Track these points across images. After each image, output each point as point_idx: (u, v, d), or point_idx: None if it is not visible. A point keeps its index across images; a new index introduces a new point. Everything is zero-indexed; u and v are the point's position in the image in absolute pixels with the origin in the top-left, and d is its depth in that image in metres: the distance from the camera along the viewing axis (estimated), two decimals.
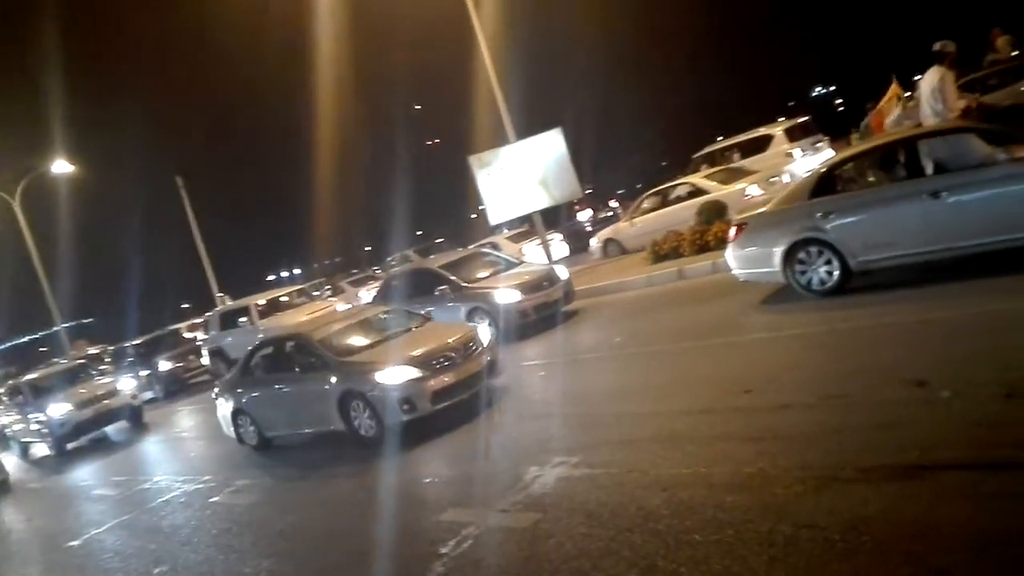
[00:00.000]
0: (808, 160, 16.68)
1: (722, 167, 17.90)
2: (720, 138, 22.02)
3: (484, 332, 9.16)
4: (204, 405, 15.36)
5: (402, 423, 8.11)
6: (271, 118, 56.61)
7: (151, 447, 14.24)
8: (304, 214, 52.16)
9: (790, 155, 17.69)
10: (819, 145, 18.14)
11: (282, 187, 56.48)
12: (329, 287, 31.21)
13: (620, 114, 45.94)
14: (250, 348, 10.67)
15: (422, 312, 10.69)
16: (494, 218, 18.45)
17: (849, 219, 7.75)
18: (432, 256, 21.77)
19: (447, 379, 8.22)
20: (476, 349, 8.70)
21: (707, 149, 20.41)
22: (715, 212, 14.93)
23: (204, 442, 13.08)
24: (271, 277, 68.73)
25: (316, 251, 63.97)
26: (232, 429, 10.45)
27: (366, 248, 60.95)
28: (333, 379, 8.66)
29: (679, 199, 16.70)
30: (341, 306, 18.55)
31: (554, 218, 23.13)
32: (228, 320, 19.30)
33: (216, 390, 11.01)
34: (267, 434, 10.01)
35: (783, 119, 21.31)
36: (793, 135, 18.33)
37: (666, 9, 44.47)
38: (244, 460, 10.13)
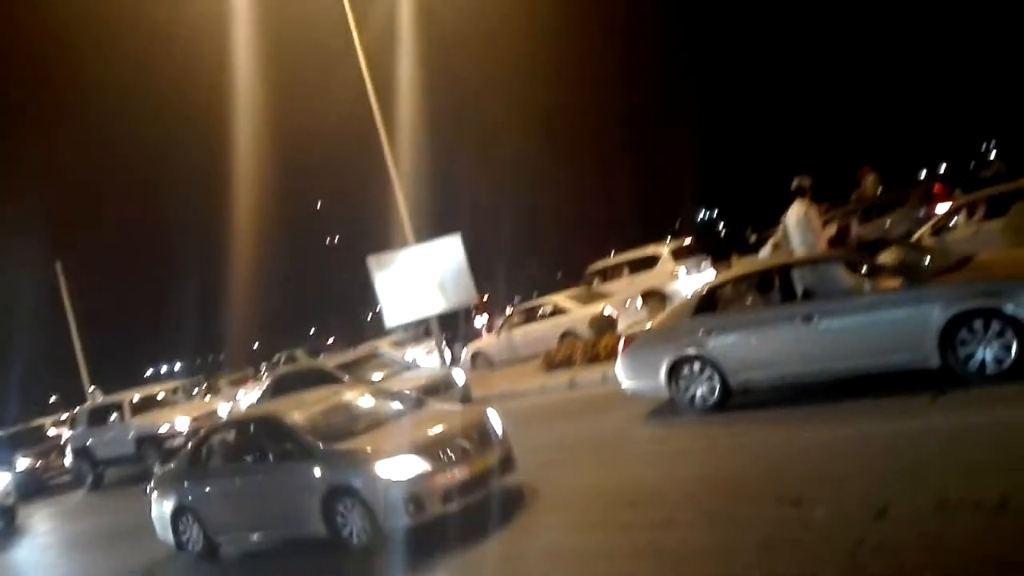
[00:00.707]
0: (692, 279, 17.57)
1: (583, 289, 19.10)
2: (613, 253, 22.93)
3: (494, 417, 7.71)
4: (64, 508, 14.09)
5: (406, 527, 6.74)
6: (166, 208, 55.15)
7: (29, 556, 12.83)
8: (192, 308, 50.37)
9: (675, 274, 18.59)
10: (702, 266, 19.10)
11: (170, 279, 54.56)
12: (206, 385, 29.85)
13: (520, 223, 47.25)
14: (203, 431, 9.22)
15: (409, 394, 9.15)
16: (390, 320, 18.35)
17: (729, 338, 8.12)
18: (324, 356, 21.36)
19: (459, 474, 6.87)
20: (490, 438, 7.39)
21: (600, 264, 21.16)
22: (606, 324, 15.47)
23: (101, 551, 10.99)
24: (149, 372, 65.27)
25: (201, 346, 61.48)
26: (170, 532, 8.63)
27: (255, 345, 59.10)
28: (317, 471, 7.20)
29: (543, 316, 17.68)
30: (223, 405, 17.74)
31: (454, 323, 23.21)
32: (98, 416, 18.05)
33: (151, 483, 9.31)
34: (217, 539, 8.34)
35: (670, 239, 22.46)
36: (679, 255, 19.27)
37: (568, 127, 46.70)
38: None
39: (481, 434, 7.30)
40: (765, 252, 10.59)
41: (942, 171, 36.74)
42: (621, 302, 16.93)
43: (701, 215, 62.67)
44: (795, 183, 9.28)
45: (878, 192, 18.10)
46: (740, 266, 12.65)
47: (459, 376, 13.13)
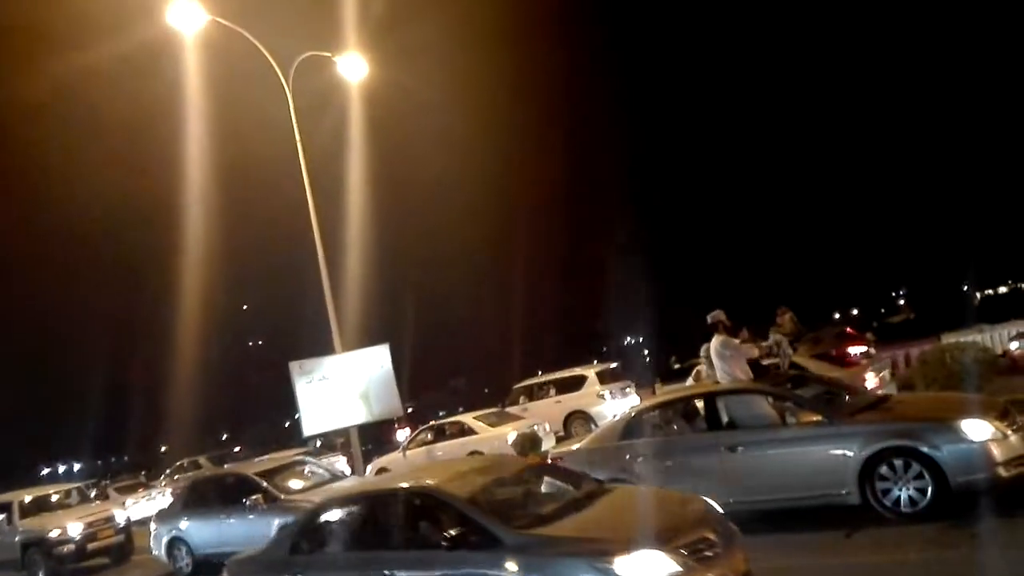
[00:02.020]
0: (616, 403, 17.67)
1: (493, 410, 19.17)
2: (540, 372, 23.00)
3: (714, 505, 6.11)
4: None
5: None
6: (83, 301, 53.23)
7: None
8: (98, 406, 47.84)
9: (601, 396, 18.68)
10: (627, 390, 19.26)
11: (78, 375, 51.97)
12: (95, 490, 27.83)
13: (452, 339, 47.21)
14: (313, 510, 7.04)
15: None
16: (308, 429, 17.76)
17: (654, 463, 8.07)
18: (230, 464, 20.43)
19: None
20: (734, 535, 5.71)
21: (527, 381, 21.15)
22: (531, 443, 15.27)
23: None
24: (45, 471, 60.93)
25: (106, 447, 58.05)
26: None
27: (162, 449, 56.16)
28: (511, 567, 5.33)
29: (452, 436, 17.56)
30: (119, 513, 16.56)
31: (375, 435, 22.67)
32: None
33: None
34: None
35: (596, 362, 22.70)
36: (604, 378, 19.43)
37: (506, 253, 47.67)
38: None
39: (724, 528, 5.65)
40: (691, 380, 10.78)
41: (854, 314, 38.57)
42: (527, 426, 16.83)
43: (626, 341, 63.77)
44: (709, 318, 9.58)
45: (794, 330, 18.77)
46: (665, 392, 12.80)
47: None
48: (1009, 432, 6.82)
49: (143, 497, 24.34)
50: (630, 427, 8.54)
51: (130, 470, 42.03)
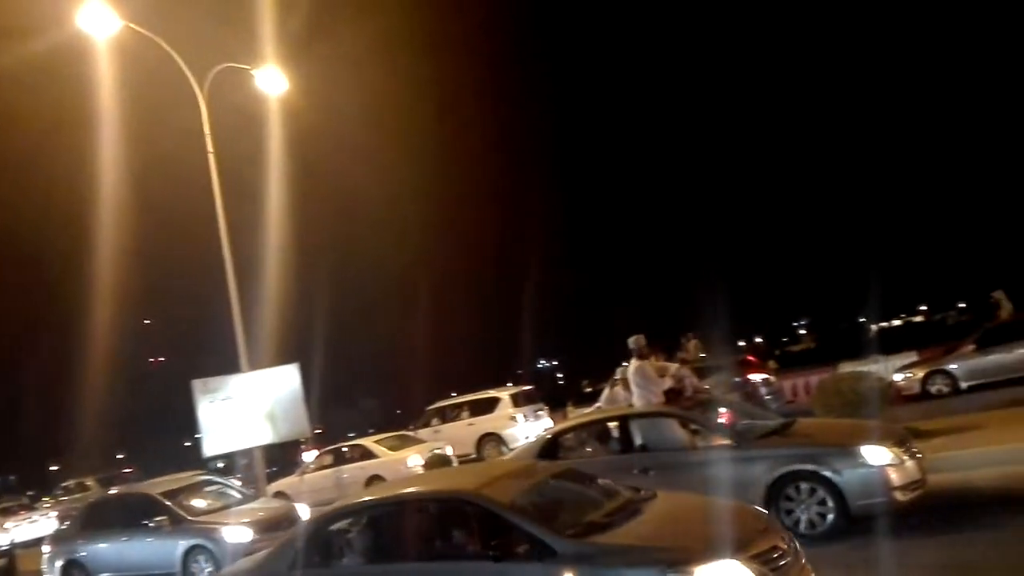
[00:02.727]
0: (528, 425, 17.72)
1: (395, 434, 19.17)
2: (454, 394, 22.85)
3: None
4: None
5: None
6: None
7: None
8: None
9: (514, 419, 18.72)
10: (540, 413, 19.34)
11: None
12: None
13: (361, 357, 46.42)
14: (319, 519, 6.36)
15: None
16: (210, 449, 17.04)
17: None
18: (149, 481, 19.42)
19: None
20: (794, 541, 5.37)
21: (440, 403, 20.97)
22: (440, 465, 15.16)
23: None
24: None
25: None
26: None
27: (52, 468, 52.99)
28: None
29: (352, 459, 17.48)
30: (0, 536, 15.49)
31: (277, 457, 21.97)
32: None
33: None
34: None
35: (511, 384, 22.74)
36: (518, 401, 19.47)
37: (423, 273, 47.41)
38: None
39: (788, 537, 5.36)
40: (603, 401, 10.88)
41: (758, 341, 39.86)
42: (428, 450, 16.99)
43: (540, 364, 64.23)
44: (631, 343, 9.71)
45: (700, 356, 19.27)
46: (579, 415, 12.88)
47: (304, 512, 12.24)
48: (906, 458, 7.13)
49: (25, 519, 22.99)
50: (545, 449, 8.53)
51: (13, 491, 39.51)
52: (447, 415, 19.98)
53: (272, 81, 17.22)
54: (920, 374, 14.95)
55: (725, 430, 7.93)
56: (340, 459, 17.84)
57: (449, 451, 16.89)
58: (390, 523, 5.91)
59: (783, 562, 4.90)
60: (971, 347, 14.33)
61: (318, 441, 24.97)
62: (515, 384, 22.78)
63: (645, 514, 5.43)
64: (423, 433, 19.58)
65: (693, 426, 8.11)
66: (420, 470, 15.68)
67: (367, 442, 18.03)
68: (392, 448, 17.35)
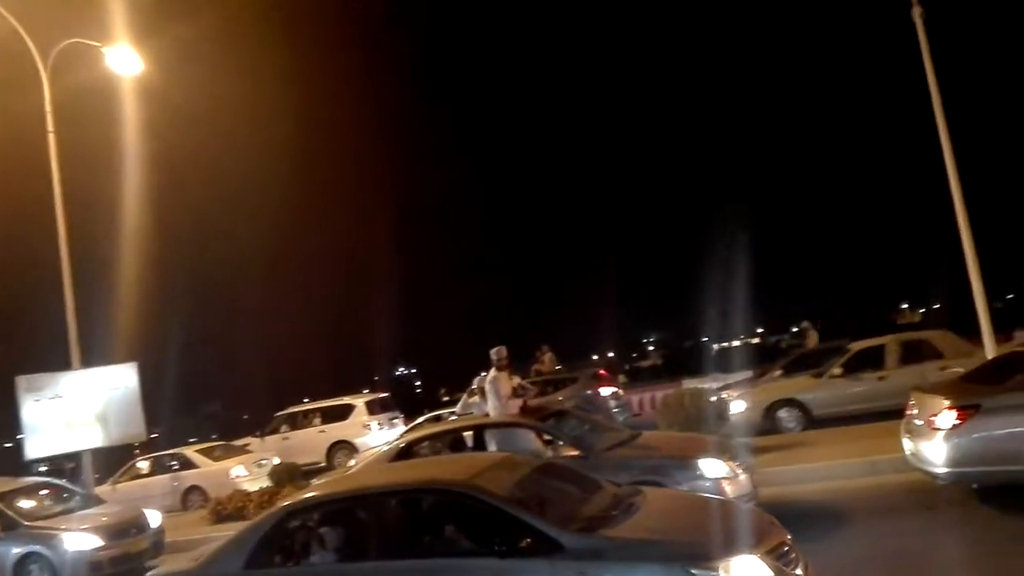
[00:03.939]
0: (383, 433, 17.52)
1: (219, 444, 18.84)
2: (306, 400, 22.24)
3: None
4: None
5: None
6: None
7: None
8: None
9: (368, 427, 18.47)
10: (395, 421, 19.17)
11: None
12: None
13: (210, 358, 44.28)
14: (285, 507, 5.73)
15: None
16: (33, 451, 15.73)
17: None
18: None
19: None
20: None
21: (290, 409, 20.35)
22: (287, 475, 14.73)
23: None
24: None
25: None
26: None
27: None
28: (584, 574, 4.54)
29: (171, 468, 16.98)
30: None
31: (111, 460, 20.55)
32: None
33: None
34: None
35: (367, 391, 22.40)
36: (373, 408, 19.21)
37: (280, 275, 45.82)
38: None
39: (790, 535, 5.13)
40: (459, 409, 10.94)
41: (610, 356, 41.33)
42: (253, 460, 16.70)
43: (398, 371, 63.68)
44: (493, 353, 9.81)
45: (554, 369, 19.75)
46: (435, 424, 12.88)
47: (154, 518, 11.54)
48: (739, 471, 7.58)
49: None
50: (400, 457, 8.46)
51: None
52: (297, 421, 19.45)
53: (125, 61, 16.18)
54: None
55: (576, 441, 8.15)
56: (160, 468, 17.15)
57: (275, 460, 16.48)
58: (368, 516, 5.31)
59: (792, 556, 4.83)
60: (778, 372, 15.37)
61: (149, 447, 23.68)
62: (371, 391, 22.45)
63: (644, 509, 5.19)
64: (271, 440, 18.99)
65: (546, 437, 8.30)
66: (244, 482, 15.28)
67: (188, 451, 17.48)
68: (215, 457, 16.89)
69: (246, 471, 16.00)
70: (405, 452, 8.55)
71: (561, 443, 8.13)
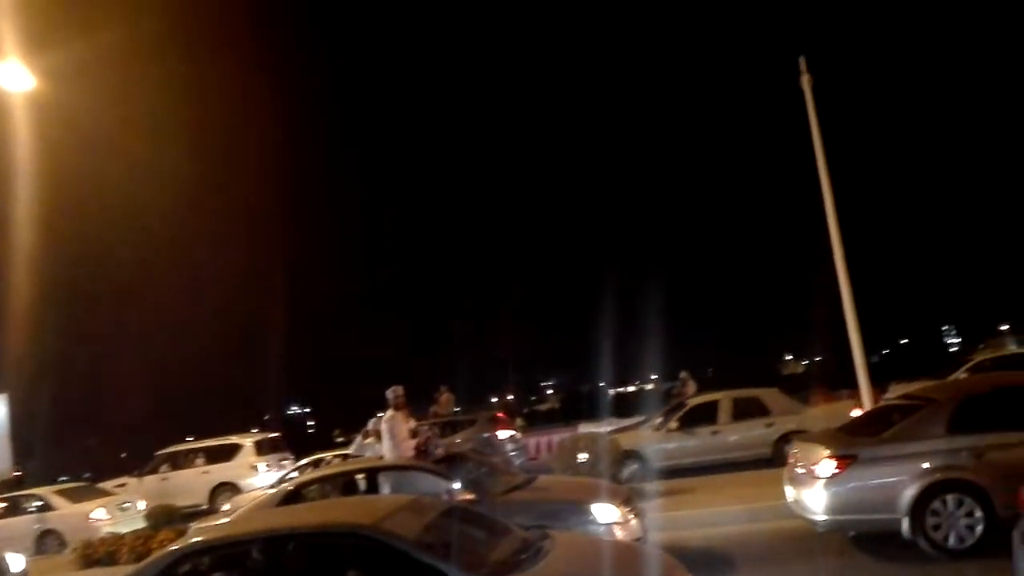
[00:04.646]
0: (272, 475, 16.92)
1: (81, 484, 18.37)
2: (189, 438, 21.26)
3: None
4: None
5: None
6: None
7: None
8: None
9: (255, 468, 17.82)
10: (284, 462, 18.54)
11: None
12: None
13: (84, 390, 41.78)
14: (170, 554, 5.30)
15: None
16: None
17: None
18: None
19: None
20: None
21: (172, 448, 19.38)
22: (165, 517, 14.05)
23: None
24: None
25: None
26: None
27: None
28: None
29: (26, 510, 16.01)
30: None
31: None
32: None
33: None
34: None
35: (256, 431, 21.64)
36: (262, 448, 18.55)
37: (159, 293, 43.90)
38: None
39: None
40: (353, 450, 10.70)
41: (509, 399, 41.42)
42: (116, 503, 16.02)
43: (290, 410, 61.75)
44: (389, 394, 9.67)
45: (452, 410, 19.63)
46: (320, 467, 12.53)
47: (16, 561, 10.71)
48: (631, 516, 7.67)
49: None
50: (287, 502, 8.15)
51: None
52: (179, 461, 18.56)
53: (14, 77, 15.33)
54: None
55: (471, 485, 8.06)
56: (16, 509, 16.01)
57: (139, 505, 15.72)
58: (266, 561, 4.98)
59: None
60: (659, 420, 15.64)
61: (18, 484, 22.09)
62: (261, 430, 21.68)
63: (552, 553, 5.19)
64: (150, 480, 18.04)
65: (441, 480, 8.17)
66: (104, 526, 14.62)
67: (45, 491, 16.40)
68: (74, 499, 15.93)
69: (107, 514, 15.21)
70: (294, 495, 8.26)
71: (457, 486, 8.03)
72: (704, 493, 11.28)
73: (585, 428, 18.13)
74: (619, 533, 7.34)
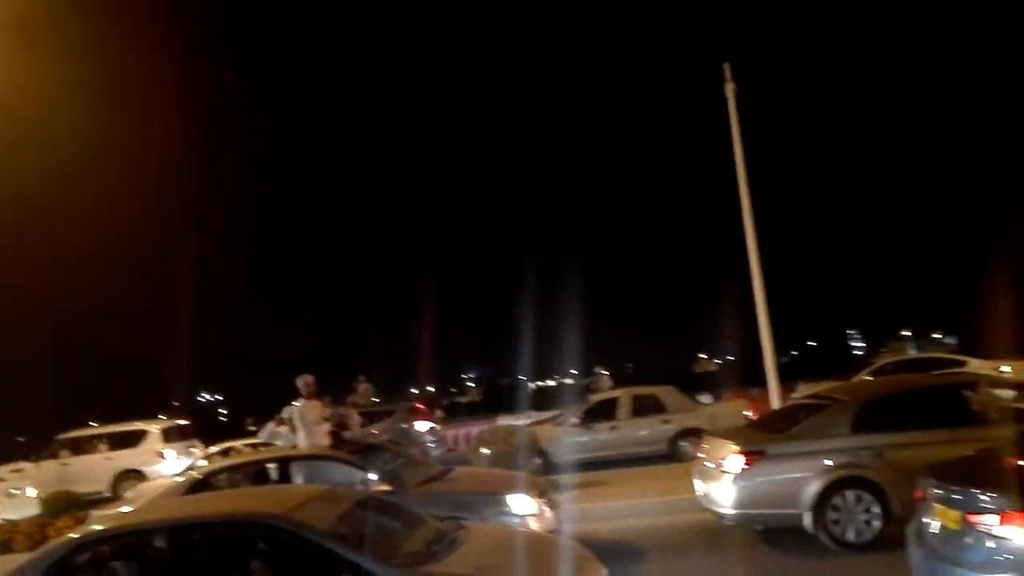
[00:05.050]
0: (179, 463, 16.43)
1: None
2: (93, 424, 20.42)
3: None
4: None
5: None
6: None
7: None
8: None
9: (162, 455, 17.28)
10: (192, 450, 18.01)
11: None
12: None
13: None
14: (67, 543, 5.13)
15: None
16: None
17: None
18: None
19: None
20: None
21: (75, 433, 18.57)
22: (64, 504, 13.47)
23: None
24: None
25: None
26: None
27: None
28: None
29: None
30: None
31: None
32: None
33: None
34: None
35: (163, 417, 20.94)
36: (169, 436, 17.98)
37: (65, 274, 42.01)
38: None
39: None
40: (263, 437, 10.47)
41: (429, 391, 41.25)
42: (2, 489, 15.63)
43: (201, 397, 60.02)
44: (299, 381, 9.48)
45: (370, 401, 19.39)
46: (231, 456, 12.22)
47: None
48: (546, 508, 7.73)
49: None
50: (196, 489, 7.90)
51: None
52: (81, 446, 17.78)
53: None
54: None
55: (387, 476, 7.98)
56: None
57: (31, 493, 15.01)
58: (172, 550, 4.82)
59: None
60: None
61: None
62: (169, 417, 20.95)
63: (467, 544, 5.24)
64: (47, 466, 17.22)
65: (356, 470, 8.05)
66: None
67: None
68: None
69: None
70: (202, 484, 8.02)
71: (373, 477, 7.93)
72: (617, 486, 11.47)
73: (504, 421, 18.20)
74: (534, 525, 7.39)
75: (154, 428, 18.07)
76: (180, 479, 9.09)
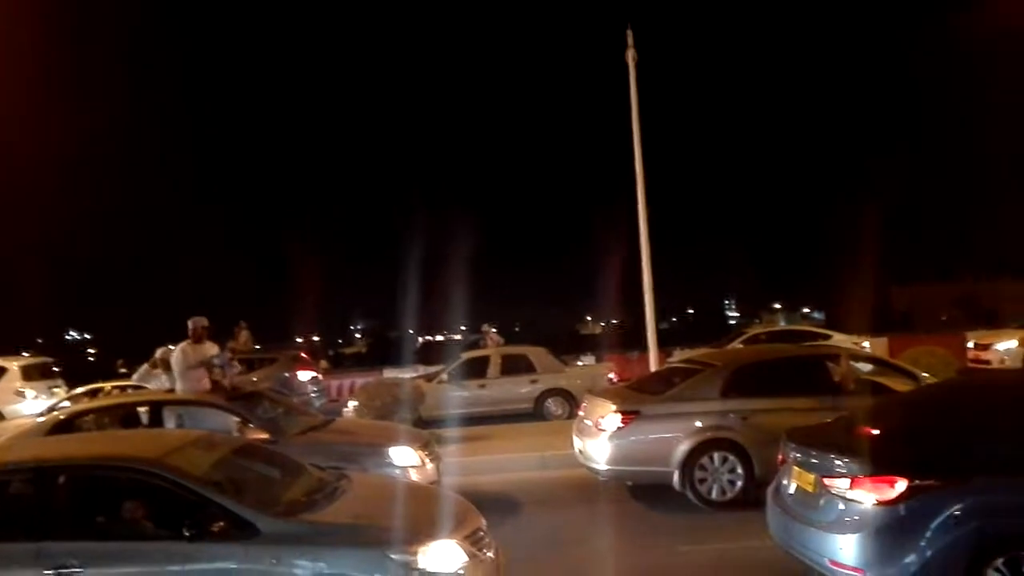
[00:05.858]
0: (40, 403, 15.58)
1: None
2: None
3: None
4: None
5: None
6: None
7: None
8: None
9: (22, 393, 16.33)
10: (55, 390, 17.11)
11: None
12: None
13: None
14: None
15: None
16: None
17: None
18: None
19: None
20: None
21: None
22: None
23: None
24: None
25: None
26: None
27: None
28: (279, 559, 4.50)
29: None
30: None
31: None
32: None
33: None
34: None
35: (27, 355, 19.76)
36: (30, 374, 17.01)
37: None
38: None
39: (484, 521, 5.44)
40: (136, 378, 10.06)
41: (315, 340, 40.51)
42: None
43: (70, 336, 56.87)
44: (191, 323, 9.05)
45: (250, 347, 18.86)
46: (109, 397, 11.68)
47: None
48: (427, 461, 7.79)
49: None
50: (58, 431, 7.51)
51: None
52: None
53: None
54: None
55: (266, 424, 7.83)
56: None
57: None
58: (32, 493, 4.68)
59: (486, 540, 5.14)
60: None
61: None
62: (33, 355, 19.78)
63: (348, 494, 5.24)
64: None
65: (234, 418, 7.85)
66: None
67: None
68: None
69: None
70: (65, 425, 7.63)
71: (251, 425, 7.76)
72: (499, 440, 11.70)
73: (390, 373, 18.13)
74: (415, 476, 7.44)
75: (13, 365, 17.07)
76: (41, 420, 8.60)
